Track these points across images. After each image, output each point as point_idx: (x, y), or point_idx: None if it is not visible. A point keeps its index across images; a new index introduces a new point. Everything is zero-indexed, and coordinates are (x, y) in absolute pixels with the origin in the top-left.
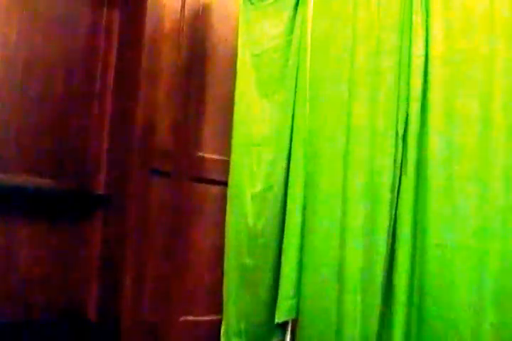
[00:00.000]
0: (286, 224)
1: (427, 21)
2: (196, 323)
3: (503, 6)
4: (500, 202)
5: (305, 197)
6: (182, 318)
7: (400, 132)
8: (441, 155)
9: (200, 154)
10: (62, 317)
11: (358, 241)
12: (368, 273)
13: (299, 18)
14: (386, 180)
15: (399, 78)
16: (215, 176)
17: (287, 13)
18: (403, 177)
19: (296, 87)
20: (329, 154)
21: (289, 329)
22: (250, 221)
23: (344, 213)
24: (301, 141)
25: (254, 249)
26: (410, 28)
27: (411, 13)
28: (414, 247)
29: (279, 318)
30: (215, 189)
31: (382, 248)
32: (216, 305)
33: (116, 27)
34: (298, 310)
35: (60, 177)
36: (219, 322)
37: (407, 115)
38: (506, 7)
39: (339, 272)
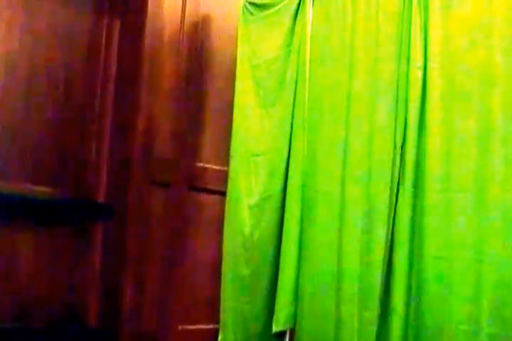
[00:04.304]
0: (283, 235)
1: (425, 33)
2: (195, 332)
3: (502, 18)
4: (498, 214)
5: (302, 208)
6: (181, 327)
7: (398, 145)
8: (439, 167)
9: (200, 164)
10: (63, 323)
11: (356, 252)
12: (365, 284)
13: (298, 29)
14: (384, 192)
15: (397, 90)
16: (214, 186)
17: (286, 24)
18: (401, 189)
19: (294, 97)
20: (327, 165)
21: (287, 339)
22: (247, 231)
23: (342, 224)
24: (300, 152)
25: (251, 259)
26: (409, 40)
27: (409, 25)
28: (411, 259)
29: (276, 328)
30: (214, 199)
31: (379, 259)
32: (215, 314)
33: (116, 37)
34: (295, 319)
35: (61, 186)
36: (217, 331)
37: (405, 127)
38: (504, 20)
39: (336, 283)
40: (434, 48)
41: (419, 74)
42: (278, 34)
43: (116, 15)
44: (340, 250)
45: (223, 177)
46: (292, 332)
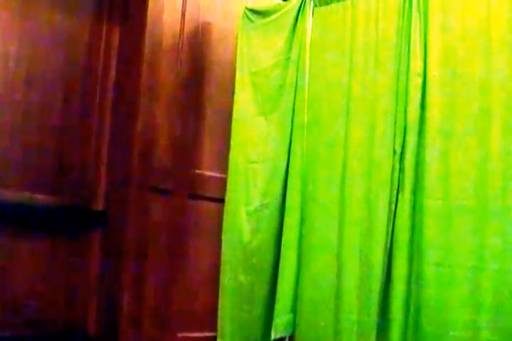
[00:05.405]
0: (282, 242)
1: (425, 40)
2: (195, 339)
3: (501, 26)
4: (497, 221)
5: (302, 215)
6: (180, 334)
7: (398, 150)
8: (439, 175)
9: (199, 171)
10: (62, 331)
11: (355, 258)
12: (365, 291)
13: (297, 36)
14: (383, 197)
15: (397, 96)
16: (213, 193)
17: (286, 32)
18: (400, 195)
19: (294, 104)
20: (326, 172)
21: None
22: (246, 238)
23: (341, 231)
24: (299, 159)
25: (249, 266)
26: (408, 47)
27: (409, 32)
28: (410, 266)
29: (275, 335)
30: (213, 206)
31: (378, 266)
32: (215, 322)
33: (116, 43)
34: (294, 326)
35: (60, 193)
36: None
37: (405, 133)
38: (503, 28)
39: (336, 290)
40: (433, 55)
41: (419, 81)
42: (278, 41)
43: (116, 22)
44: (340, 257)
45: (222, 184)
46: (291, 338)
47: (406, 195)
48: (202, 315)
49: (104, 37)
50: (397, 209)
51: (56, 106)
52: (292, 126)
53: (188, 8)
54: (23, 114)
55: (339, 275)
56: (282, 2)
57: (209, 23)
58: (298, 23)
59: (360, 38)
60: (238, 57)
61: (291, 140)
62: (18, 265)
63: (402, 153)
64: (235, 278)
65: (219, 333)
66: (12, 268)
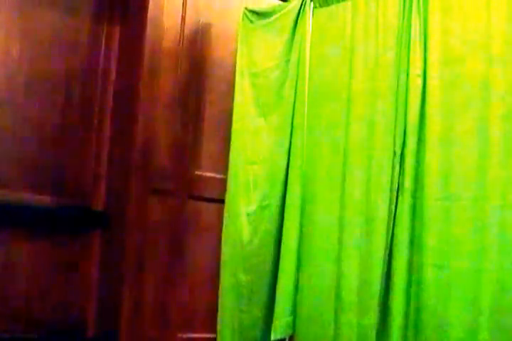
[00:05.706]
0: (282, 243)
1: (424, 41)
2: (194, 340)
3: (501, 28)
4: (497, 222)
5: (302, 216)
6: (180, 335)
7: (398, 152)
8: (439, 175)
9: (199, 172)
10: (61, 333)
11: (355, 260)
12: (365, 292)
13: (297, 37)
14: (383, 199)
15: (397, 98)
16: (213, 194)
17: (286, 33)
18: (400, 196)
19: (293, 106)
20: (326, 173)
21: None
22: (246, 238)
23: (341, 232)
24: (299, 160)
25: (249, 267)
26: (408, 48)
27: (409, 33)
28: (410, 267)
29: (275, 336)
30: (213, 207)
31: (378, 268)
32: (215, 322)
33: (116, 45)
34: (294, 327)
35: (59, 194)
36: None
37: (405, 135)
38: (503, 28)
39: (336, 291)
40: (433, 56)
41: (419, 82)
42: (277, 42)
43: (116, 23)
44: (340, 258)
45: (222, 185)
46: (291, 339)
47: (406, 196)
48: (202, 316)
49: (104, 38)
50: (397, 210)
51: (56, 106)
52: (292, 127)
53: (188, 9)
54: (23, 114)
55: (339, 277)
56: (282, 3)
57: (209, 24)
58: (298, 24)
59: (360, 40)
60: (238, 58)
61: (291, 141)
62: (18, 265)
63: (402, 154)
64: (234, 278)
65: (218, 333)
66: (12, 268)
